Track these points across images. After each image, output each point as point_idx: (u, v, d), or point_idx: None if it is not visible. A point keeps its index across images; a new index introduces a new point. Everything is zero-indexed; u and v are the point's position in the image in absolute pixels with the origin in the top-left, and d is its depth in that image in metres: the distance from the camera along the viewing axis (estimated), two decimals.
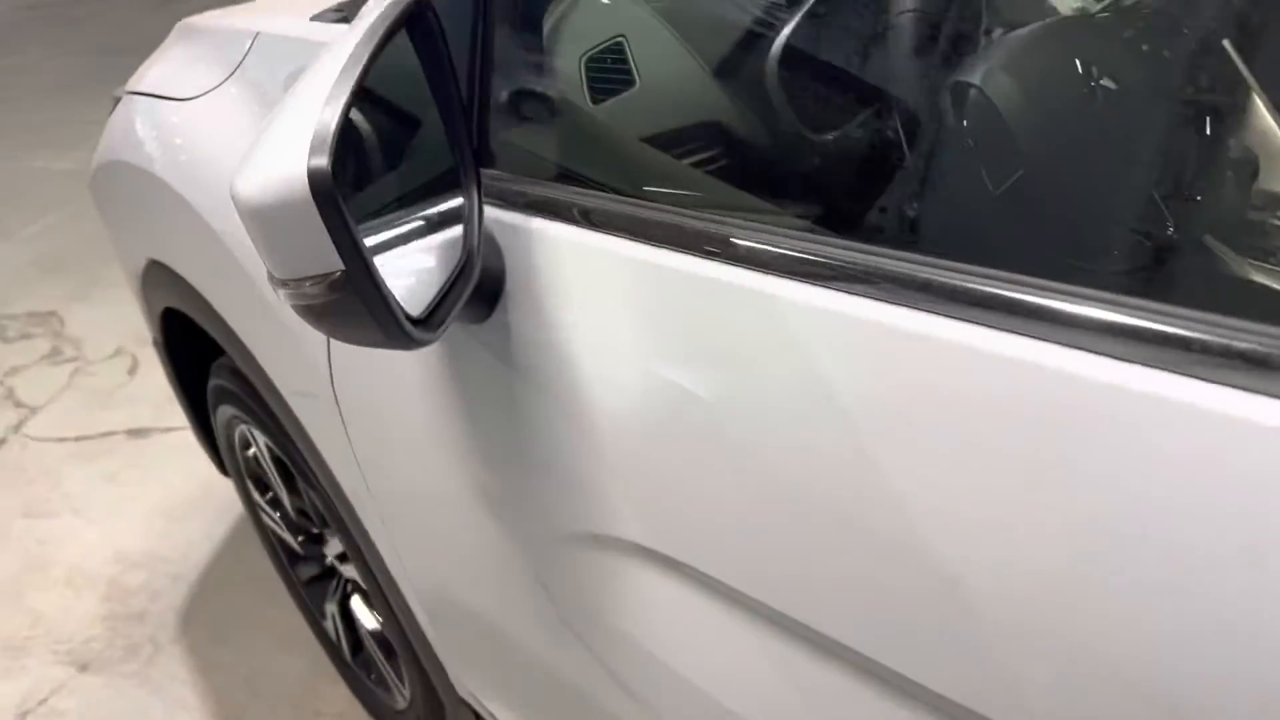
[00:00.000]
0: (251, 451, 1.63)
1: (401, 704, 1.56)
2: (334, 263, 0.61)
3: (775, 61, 0.92)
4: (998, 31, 0.96)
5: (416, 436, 0.98)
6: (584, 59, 0.97)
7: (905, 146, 0.84)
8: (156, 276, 1.48)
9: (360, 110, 0.71)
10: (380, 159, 0.80)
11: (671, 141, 0.92)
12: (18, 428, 2.66)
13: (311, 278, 0.62)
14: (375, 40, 0.65)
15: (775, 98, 0.91)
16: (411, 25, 0.71)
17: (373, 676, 1.66)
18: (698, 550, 0.71)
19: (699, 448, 0.68)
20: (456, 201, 0.77)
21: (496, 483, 0.90)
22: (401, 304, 0.66)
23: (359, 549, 1.31)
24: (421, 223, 0.77)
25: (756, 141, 0.92)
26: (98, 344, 2.99)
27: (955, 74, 0.90)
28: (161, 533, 2.22)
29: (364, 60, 0.63)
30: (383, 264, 0.67)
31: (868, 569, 0.59)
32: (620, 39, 0.99)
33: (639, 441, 0.72)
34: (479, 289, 0.78)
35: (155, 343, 1.72)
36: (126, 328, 2.99)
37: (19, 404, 2.75)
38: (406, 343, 0.67)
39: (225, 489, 2.28)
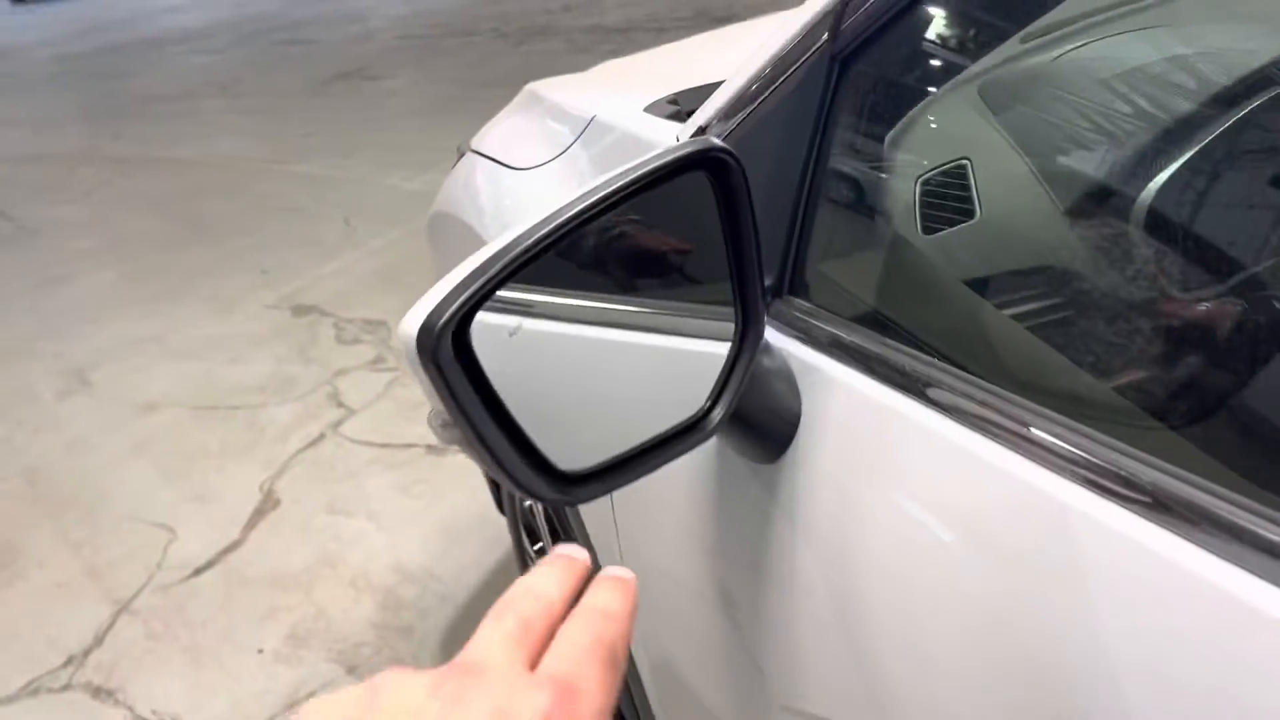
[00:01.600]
0: (528, 502, 1.66)
1: None
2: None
3: (1145, 208, 0.80)
4: None
5: (679, 542, 0.94)
6: (920, 181, 0.90)
7: None
8: None
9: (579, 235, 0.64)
10: (607, 274, 0.73)
11: (1006, 289, 0.83)
12: (336, 426, 2.90)
13: (445, 419, 0.60)
14: (605, 194, 0.60)
15: (1139, 252, 0.80)
16: (703, 166, 0.65)
17: None
18: None
19: (956, 645, 0.59)
20: (702, 341, 0.70)
21: (745, 616, 0.84)
22: (550, 458, 0.62)
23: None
24: (640, 355, 0.71)
25: (1107, 303, 0.81)
26: None
27: None
28: (439, 552, 2.33)
29: (574, 213, 0.58)
30: (565, 395, 0.63)
31: None
32: (964, 162, 0.91)
33: (895, 629, 0.64)
34: (766, 431, 0.72)
35: None
36: None
37: (340, 404, 3.01)
38: (541, 499, 0.63)
39: (500, 522, 2.37)
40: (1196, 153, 0.82)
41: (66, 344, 3.66)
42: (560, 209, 0.59)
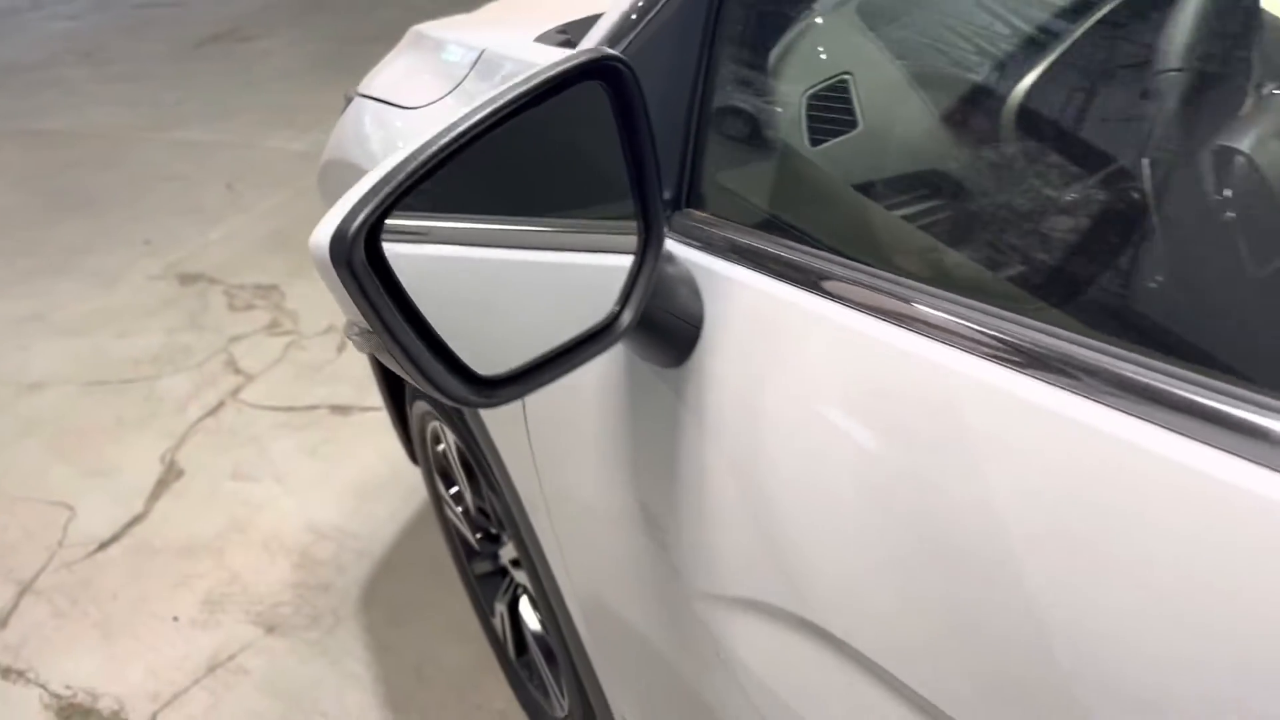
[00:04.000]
0: (441, 447, 1.67)
1: (559, 713, 1.56)
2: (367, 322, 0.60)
3: (1014, 110, 0.85)
4: (1270, 91, 0.86)
5: (594, 459, 0.97)
6: (806, 96, 0.93)
7: (1153, 214, 0.76)
8: None
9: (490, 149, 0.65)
10: (514, 196, 0.75)
11: (890, 190, 0.87)
12: (235, 393, 2.85)
13: (361, 327, 0.62)
14: (506, 101, 0.61)
15: (1009, 149, 0.85)
16: (598, 76, 0.66)
17: (534, 680, 1.68)
18: (848, 621, 0.66)
19: (866, 520, 0.63)
20: (610, 255, 0.73)
21: (662, 521, 0.88)
22: (467, 363, 0.64)
23: (530, 555, 1.32)
24: (550, 271, 0.73)
25: (982, 196, 0.86)
26: (312, 320, 3.17)
27: (1219, 138, 0.81)
28: (352, 509, 2.33)
29: (476, 120, 0.60)
30: (481, 309, 0.65)
31: (992, 654, 0.56)
32: (846, 77, 0.94)
33: (807, 509, 0.68)
34: (671, 334, 0.75)
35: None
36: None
37: (238, 371, 2.95)
38: (461, 402, 0.65)
39: (413, 474, 2.36)
40: (1060, 55, 0.87)
41: None
42: (460, 119, 0.60)
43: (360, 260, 0.57)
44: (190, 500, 2.45)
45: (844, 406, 0.66)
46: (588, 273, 0.74)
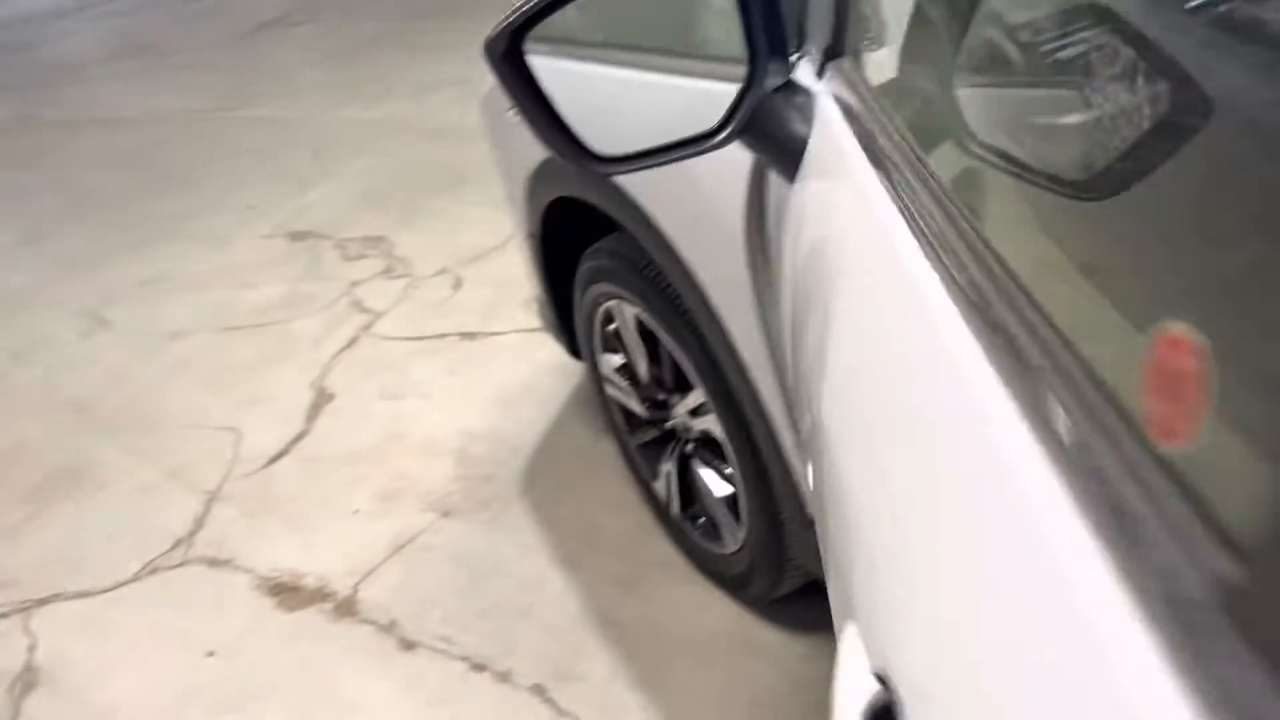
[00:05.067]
0: (613, 326, 1.91)
1: (732, 547, 1.80)
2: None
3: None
4: None
5: (781, 280, 1.19)
6: None
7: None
8: (550, 172, 1.77)
9: None
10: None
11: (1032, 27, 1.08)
12: (366, 328, 3.10)
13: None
14: None
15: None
16: None
17: (698, 529, 1.91)
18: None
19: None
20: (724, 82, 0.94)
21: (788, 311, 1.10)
22: (584, 141, 0.89)
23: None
24: (674, 90, 0.96)
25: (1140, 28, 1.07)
26: (424, 264, 3.41)
27: None
28: (499, 415, 2.57)
29: None
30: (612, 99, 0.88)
31: None
32: None
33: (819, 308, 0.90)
34: (786, 151, 0.97)
35: (531, 235, 2.03)
36: (448, 251, 3.41)
37: (365, 310, 3.21)
38: (579, 167, 0.90)
39: (550, 383, 2.62)
40: None
41: (71, 292, 3.74)
42: None
43: (501, 53, 0.82)
44: (346, 417, 2.70)
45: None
46: (704, 96, 0.97)
